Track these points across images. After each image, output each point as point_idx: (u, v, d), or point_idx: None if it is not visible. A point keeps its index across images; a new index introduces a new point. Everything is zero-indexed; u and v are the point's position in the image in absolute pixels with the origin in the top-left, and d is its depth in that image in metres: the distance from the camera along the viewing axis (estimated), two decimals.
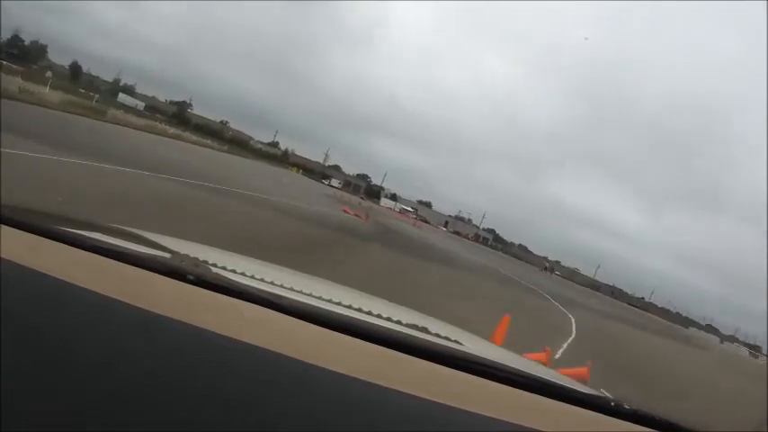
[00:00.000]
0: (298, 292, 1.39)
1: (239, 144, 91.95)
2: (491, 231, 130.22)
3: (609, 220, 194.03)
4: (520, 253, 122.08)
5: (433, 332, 1.43)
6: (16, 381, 0.73)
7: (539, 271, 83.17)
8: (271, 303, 1.03)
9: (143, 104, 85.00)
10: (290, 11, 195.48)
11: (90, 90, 60.67)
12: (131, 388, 0.76)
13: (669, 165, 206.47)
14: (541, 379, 1.12)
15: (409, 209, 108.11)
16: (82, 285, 0.91)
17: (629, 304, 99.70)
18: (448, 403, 0.86)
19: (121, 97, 78.81)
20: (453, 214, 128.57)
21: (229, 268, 1.36)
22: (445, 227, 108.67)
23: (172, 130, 55.58)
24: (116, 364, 0.78)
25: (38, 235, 1.09)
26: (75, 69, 79.10)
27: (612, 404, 1.04)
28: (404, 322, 1.44)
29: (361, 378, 0.86)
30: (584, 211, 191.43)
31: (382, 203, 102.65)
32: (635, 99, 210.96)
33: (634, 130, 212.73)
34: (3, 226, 1.07)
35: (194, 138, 60.98)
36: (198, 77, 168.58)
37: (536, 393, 1.02)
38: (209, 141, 67.44)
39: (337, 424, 0.79)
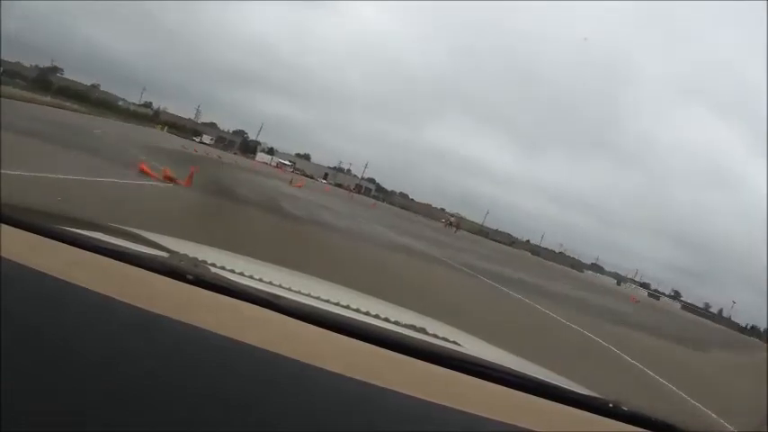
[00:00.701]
0: (296, 292, 1.37)
1: (105, 106, 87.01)
2: (372, 181, 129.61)
3: (489, 166, 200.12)
4: (403, 202, 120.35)
5: (431, 333, 1.43)
6: (16, 381, 0.71)
7: (443, 227, 71.01)
8: (269, 303, 1.01)
9: (1, 69, 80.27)
10: None
11: None
12: (130, 388, 0.74)
13: (548, 113, 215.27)
14: (539, 380, 1.11)
15: (287, 162, 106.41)
16: (81, 285, 0.89)
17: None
18: (445, 404, 0.85)
19: None
20: (333, 165, 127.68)
21: (228, 268, 1.36)
22: (325, 179, 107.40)
23: (24, 94, 53.74)
24: (116, 363, 0.77)
25: (38, 234, 1.07)
26: None
27: (610, 405, 1.03)
28: (402, 323, 1.43)
29: (359, 378, 0.84)
30: (465, 158, 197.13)
31: (258, 158, 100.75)
32: (513, 49, 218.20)
33: (513, 79, 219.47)
34: (3, 225, 1.05)
35: (49, 100, 58.94)
36: (70, 43, 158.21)
37: (534, 394, 1.01)
38: (67, 104, 65.17)
39: (335, 424, 0.77)
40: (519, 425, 0.86)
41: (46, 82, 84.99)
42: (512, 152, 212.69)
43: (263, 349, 0.85)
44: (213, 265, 1.28)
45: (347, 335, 1.00)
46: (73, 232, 1.14)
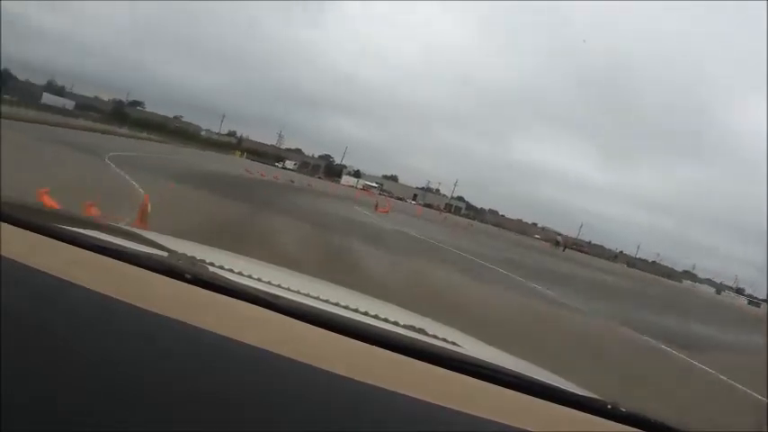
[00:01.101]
0: (295, 292, 1.34)
1: (186, 135, 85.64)
2: (461, 199, 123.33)
3: (577, 177, 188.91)
4: (495, 219, 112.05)
5: (431, 334, 1.39)
6: (16, 380, 0.70)
7: (549, 247, 61.94)
8: (267, 303, 0.99)
9: (73, 103, 78.24)
10: None
11: (13, 95, 54.62)
12: (129, 387, 0.73)
13: (634, 120, 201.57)
14: (538, 381, 1.08)
15: (373, 184, 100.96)
16: (81, 284, 0.88)
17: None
18: (444, 405, 0.83)
19: (46, 97, 72.23)
20: (421, 186, 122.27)
21: (226, 267, 1.32)
22: (414, 200, 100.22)
23: (89, 124, 48.56)
24: (114, 363, 0.75)
25: (37, 233, 1.06)
26: (3, 76, 73.32)
27: (609, 407, 1.00)
28: (401, 323, 1.39)
29: (357, 379, 0.83)
30: (552, 170, 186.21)
31: (343, 181, 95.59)
32: (592, 59, 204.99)
33: (597, 89, 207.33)
34: (3, 224, 1.03)
35: (124, 131, 54.32)
36: (152, 78, 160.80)
37: (533, 395, 0.98)
38: (144, 134, 60.94)
39: (333, 424, 0.76)
40: (517, 426, 0.85)
41: (121, 114, 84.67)
42: (599, 161, 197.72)
43: (261, 349, 0.83)
44: (211, 264, 1.26)
45: (345, 335, 0.98)
46: (72, 231, 1.13)
